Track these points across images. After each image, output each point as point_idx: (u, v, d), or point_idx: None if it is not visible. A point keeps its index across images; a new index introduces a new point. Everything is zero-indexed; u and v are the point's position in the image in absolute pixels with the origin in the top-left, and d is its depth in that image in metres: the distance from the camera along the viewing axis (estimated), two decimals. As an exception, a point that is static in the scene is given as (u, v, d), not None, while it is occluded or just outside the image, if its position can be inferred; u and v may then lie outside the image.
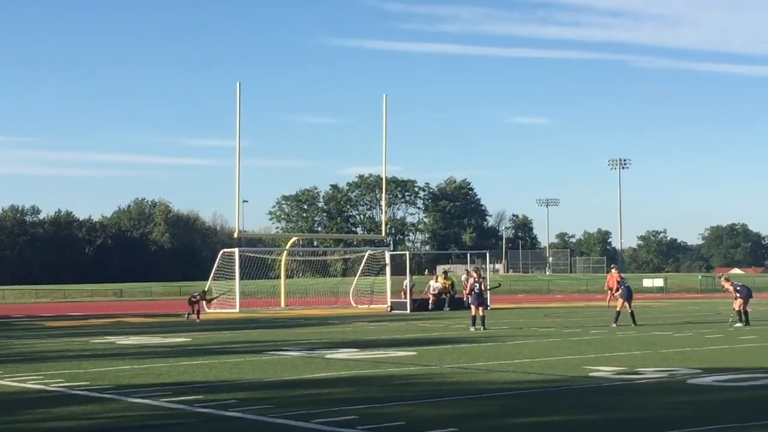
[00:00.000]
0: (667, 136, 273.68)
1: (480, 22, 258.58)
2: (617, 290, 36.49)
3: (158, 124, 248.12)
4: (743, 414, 13.83)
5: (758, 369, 19.66)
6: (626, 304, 35.28)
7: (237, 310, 52.13)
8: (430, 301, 51.74)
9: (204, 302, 47.50)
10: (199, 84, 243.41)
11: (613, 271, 40.29)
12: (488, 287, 44.25)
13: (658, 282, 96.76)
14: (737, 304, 34.97)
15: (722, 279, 39.26)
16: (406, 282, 53.25)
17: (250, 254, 58.73)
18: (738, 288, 35.26)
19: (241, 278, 54.43)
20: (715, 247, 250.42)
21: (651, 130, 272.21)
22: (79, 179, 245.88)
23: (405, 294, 52.72)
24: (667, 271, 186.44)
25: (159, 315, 50.74)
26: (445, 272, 56.54)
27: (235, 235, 62.43)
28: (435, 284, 53.34)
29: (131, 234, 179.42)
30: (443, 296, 51.71)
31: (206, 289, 50.25)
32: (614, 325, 34.23)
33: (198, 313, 45.01)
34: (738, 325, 33.85)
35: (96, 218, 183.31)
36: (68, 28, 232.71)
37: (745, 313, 34.81)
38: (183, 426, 13.82)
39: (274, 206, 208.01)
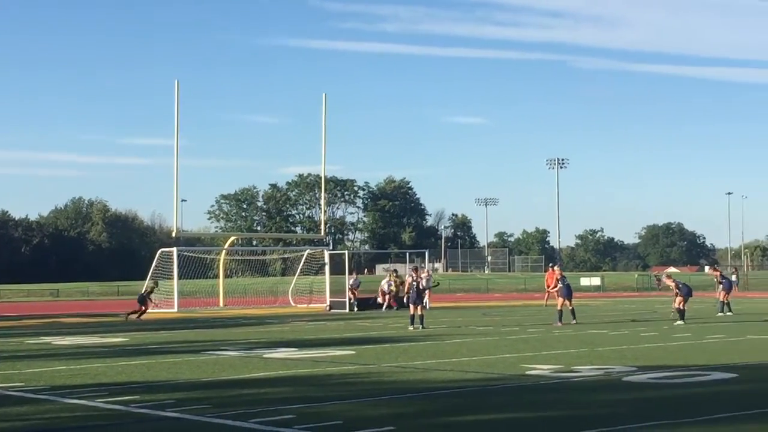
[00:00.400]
0: (604, 136, 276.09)
1: (419, 22, 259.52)
2: (555, 288, 36.68)
3: (96, 124, 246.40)
4: (678, 411, 13.98)
5: (692, 366, 19.88)
6: (566, 302, 35.53)
7: (175, 309, 51.87)
8: (382, 300, 51.22)
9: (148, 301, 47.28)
10: (137, 83, 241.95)
11: (556, 268, 40.71)
12: (429, 286, 44.55)
13: (596, 281, 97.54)
14: (677, 301, 35.29)
15: (664, 276, 39.77)
16: (352, 281, 53.01)
17: (188, 254, 58.51)
18: (680, 286, 35.64)
19: (180, 278, 54.18)
20: (652, 246, 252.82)
21: (589, 129, 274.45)
22: (16, 178, 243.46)
23: (353, 293, 52.44)
24: (604, 270, 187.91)
25: (96, 315, 50.38)
26: (395, 271, 56.40)
27: (174, 235, 62.20)
28: (387, 282, 52.91)
29: (68, 233, 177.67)
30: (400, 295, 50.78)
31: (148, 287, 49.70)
32: (559, 324, 34.43)
33: (141, 312, 45.06)
34: (679, 323, 34.15)
35: (33, 218, 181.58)
36: (6, 27, 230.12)
37: (682, 311, 35.14)
38: (119, 427, 13.72)
39: (212, 206, 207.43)
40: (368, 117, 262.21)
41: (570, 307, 35.51)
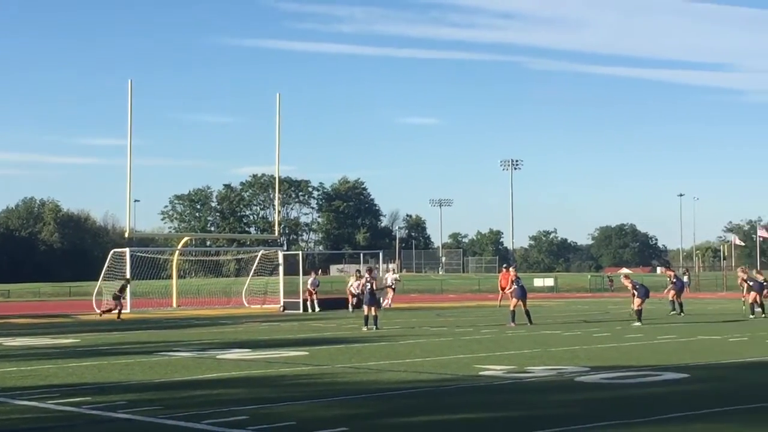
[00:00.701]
0: (558, 138, 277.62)
1: (374, 23, 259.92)
2: (510, 289, 36.72)
3: (48, 123, 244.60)
4: (630, 411, 14.05)
5: (644, 367, 20.00)
6: (521, 302, 35.62)
7: (128, 310, 51.54)
8: (350, 301, 50.57)
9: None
10: (90, 82, 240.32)
11: (511, 270, 40.94)
12: (384, 286, 44.69)
13: (549, 281, 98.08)
14: (636, 303, 35.43)
15: (622, 277, 39.91)
16: (311, 281, 52.61)
17: (141, 254, 58.16)
18: (637, 287, 35.80)
19: (133, 278, 53.84)
20: (605, 247, 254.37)
21: (543, 131, 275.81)
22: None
23: (311, 293, 51.91)
24: (557, 271, 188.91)
25: (47, 316, 49.97)
26: (358, 271, 56.09)
27: (127, 235, 61.78)
28: (356, 283, 52.32)
29: (20, 234, 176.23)
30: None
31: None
32: (512, 324, 34.52)
33: (119, 311, 45.18)
34: (636, 324, 34.24)
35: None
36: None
37: (640, 312, 35.16)
38: (70, 428, 13.63)
39: (166, 206, 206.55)
40: (323, 117, 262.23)
41: (525, 309, 35.60)
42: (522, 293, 35.84)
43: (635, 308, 35.34)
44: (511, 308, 35.67)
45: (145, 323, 41.35)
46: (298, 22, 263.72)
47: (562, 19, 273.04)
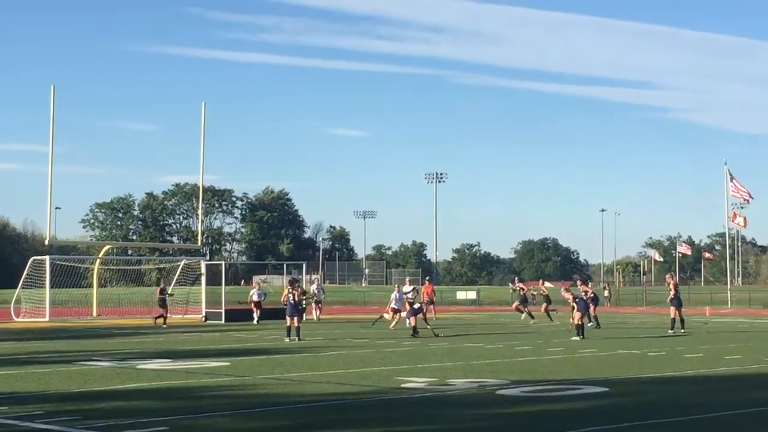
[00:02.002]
0: (483, 152, 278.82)
1: (302, 34, 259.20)
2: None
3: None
4: (550, 425, 14.15)
5: (565, 381, 20.15)
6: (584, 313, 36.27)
7: (47, 319, 50.96)
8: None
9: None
10: (11, 87, 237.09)
11: (427, 282, 40.55)
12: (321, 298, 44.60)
13: (471, 294, 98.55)
14: (576, 316, 35.69)
15: (563, 289, 39.94)
16: (258, 293, 51.52)
17: (61, 262, 57.53)
18: (577, 300, 36.08)
19: (52, 287, 53.25)
20: (527, 260, 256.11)
21: (468, 145, 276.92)
22: None
23: (257, 306, 50.42)
24: (480, 284, 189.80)
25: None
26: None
27: (47, 243, 61.09)
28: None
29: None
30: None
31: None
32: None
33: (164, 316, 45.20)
34: (576, 338, 34.48)
35: None
36: None
37: (580, 326, 35.37)
38: (-14, 438, 13.43)
39: (87, 214, 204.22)
40: (248, 127, 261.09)
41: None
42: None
43: (575, 322, 35.63)
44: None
45: (65, 332, 40.86)
46: (227, 32, 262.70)
47: (489, 34, 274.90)
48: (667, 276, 41.29)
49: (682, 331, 38.38)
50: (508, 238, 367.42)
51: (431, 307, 48.14)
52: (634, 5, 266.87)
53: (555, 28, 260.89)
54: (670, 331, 38.24)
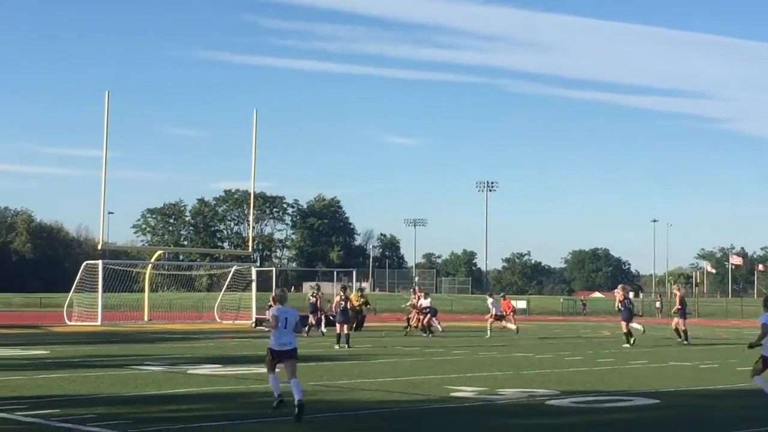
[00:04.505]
0: (534, 161, 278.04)
1: (357, 41, 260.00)
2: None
3: (24, 132, 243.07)
4: (599, 436, 14.08)
5: (615, 392, 20.02)
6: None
7: (99, 323, 51.36)
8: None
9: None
10: (68, 92, 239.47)
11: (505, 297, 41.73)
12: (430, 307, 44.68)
13: (521, 304, 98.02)
14: (624, 325, 37.12)
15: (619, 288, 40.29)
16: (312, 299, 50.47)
17: (114, 267, 57.96)
18: (621, 308, 37.39)
19: (105, 291, 53.68)
20: (578, 270, 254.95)
21: (520, 153, 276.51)
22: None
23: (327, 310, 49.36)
24: (530, 294, 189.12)
25: (18, 326, 49.63)
26: (362, 289, 55.25)
27: (100, 247, 61.51)
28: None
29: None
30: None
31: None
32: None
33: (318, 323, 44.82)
34: (625, 345, 35.98)
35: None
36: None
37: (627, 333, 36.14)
38: (38, 441, 13.55)
39: (139, 219, 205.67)
40: (300, 134, 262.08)
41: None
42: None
43: (624, 330, 37.05)
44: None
45: (116, 336, 41.14)
46: (280, 39, 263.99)
47: (544, 43, 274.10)
48: (674, 287, 42.28)
49: (685, 342, 38.48)
50: (559, 247, 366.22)
51: (511, 316, 48.75)
52: (688, 15, 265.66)
53: (609, 37, 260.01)
54: (685, 341, 38.34)
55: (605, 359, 29.86)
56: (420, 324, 44.06)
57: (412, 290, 50.90)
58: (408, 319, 46.30)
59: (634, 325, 37.63)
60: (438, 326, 44.44)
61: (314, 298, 46.08)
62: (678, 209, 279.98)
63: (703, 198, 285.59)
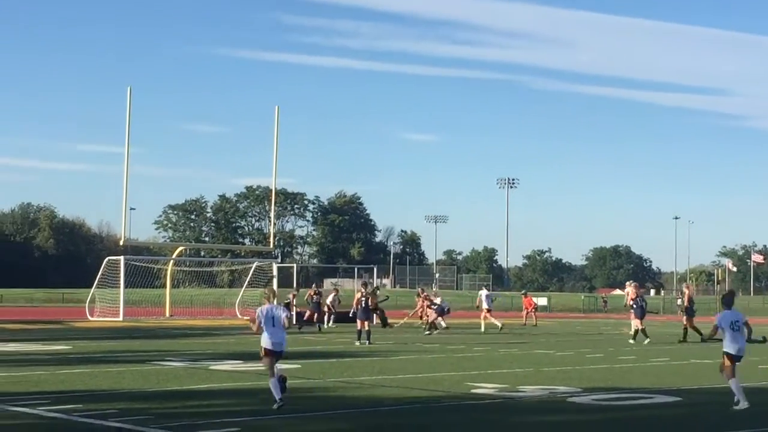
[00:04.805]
0: (555, 157, 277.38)
1: (377, 38, 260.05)
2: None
3: (46, 129, 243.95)
4: (621, 433, 14.05)
5: (637, 389, 19.98)
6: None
7: (121, 318, 51.54)
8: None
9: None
10: (89, 89, 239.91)
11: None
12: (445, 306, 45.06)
13: (542, 301, 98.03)
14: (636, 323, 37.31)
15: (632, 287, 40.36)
16: (331, 297, 50.87)
17: (135, 263, 58.14)
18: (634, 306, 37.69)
19: (126, 287, 53.85)
20: (599, 267, 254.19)
21: (540, 150, 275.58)
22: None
23: (330, 309, 50.06)
24: (551, 291, 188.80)
25: (40, 322, 49.85)
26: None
27: (121, 243, 61.71)
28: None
29: (14, 239, 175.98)
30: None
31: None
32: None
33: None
34: (647, 341, 36.37)
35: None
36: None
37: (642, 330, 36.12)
38: (61, 435, 13.60)
39: (160, 215, 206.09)
40: (321, 131, 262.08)
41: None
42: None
43: (639, 327, 37.40)
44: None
45: (138, 332, 41.28)
46: (302, 35, 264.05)
47: (565, 39, 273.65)
48: (683, 285, 42.45)
49: (681, 340, 38.56)
50: (580, 244, 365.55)
51: (533, 314, 53.18)
52: (710, 12, 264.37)
53: (631, 33, 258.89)
54: (681, 339, 38.41)
55: (626, 356, 29.80)
56: (426, 319, 45.05)
57: (416, 294, 52.43)
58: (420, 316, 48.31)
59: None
60: (442, 323, 45.06)
61: (316, 296, 47.05)
62: (700, 206, 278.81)
63: (726, 195, 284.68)
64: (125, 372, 22.37)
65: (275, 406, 15.73)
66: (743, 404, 16.92)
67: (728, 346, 17.55)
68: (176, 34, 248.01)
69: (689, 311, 39.22)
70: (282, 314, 16.56)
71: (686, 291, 40.62)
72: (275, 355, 16.67)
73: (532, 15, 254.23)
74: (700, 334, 38.74)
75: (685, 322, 39.08)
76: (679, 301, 77.80)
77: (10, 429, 14.01)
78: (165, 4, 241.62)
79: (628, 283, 42.22)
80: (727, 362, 17.62)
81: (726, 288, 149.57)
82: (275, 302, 16.71)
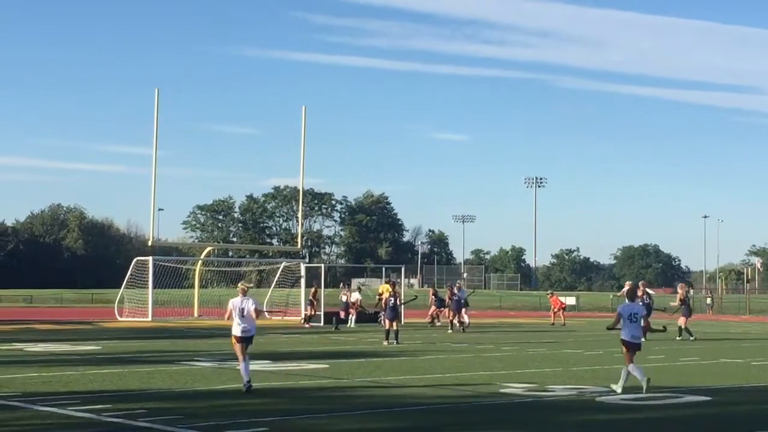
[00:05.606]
0: (583, 156, 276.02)
1: (405, 38, 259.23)
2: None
3: (74, 130, 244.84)
4: (650, 433, 14.01)
5: (666, 388, 19.90)
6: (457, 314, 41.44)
7: (149, 319, 51.72)
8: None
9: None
10: (118, 90, 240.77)
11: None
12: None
13: (571, 300, 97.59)
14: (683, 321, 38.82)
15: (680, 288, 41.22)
16: (355, 296, 50.97)
17: (164, 263, 58.30)
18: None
19: (155, 287, 54.00)
20: (627, 266, 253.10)
21: (568, 149, 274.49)
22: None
23: (354, 306, 49.95)
24: (579, 290, 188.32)
25: (70, 322, 50.10)
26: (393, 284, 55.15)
27: (150, 244, 61.89)
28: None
29: (44, 239, 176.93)
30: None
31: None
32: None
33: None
34: (692, 338, 37.67)
35: (9, 223, 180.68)
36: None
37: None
38: (91, 435, 13.67)
39: (188, 216, 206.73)
40: (348, 131, 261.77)
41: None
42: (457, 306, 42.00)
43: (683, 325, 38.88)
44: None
45: (167, 332, 41.42)
46: (329, 35, 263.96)
47: (593, 38, 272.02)
48: (679, 285, 43.30)
49: (678, 338, 38.33)
50: (608, 243, 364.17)
51: (561, 314, 53.53)
52: (739, 9, 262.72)
53: (659, 32, 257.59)
54: (678, 337, 38.24)
55: (656, 356, 29.68)
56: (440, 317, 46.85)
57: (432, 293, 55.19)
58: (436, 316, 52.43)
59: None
60: (465, 319, 46.22)
61: (344, 296, 49.65)
62: (729, 205, 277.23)
63: (755, 193, 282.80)
64: (154, 372, 22.46)
65: (244, 388, 18.18)
66: (617, 388, 18.87)
67: (624, 334, 19.54)
68: (204, 35, 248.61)
69: (686, 310, 39.86)
70: (251, 306, 19.34)
71: (680, 291, 41.20)
72: (244, 341, 19.31)
73: (561, 14, 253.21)
74: (680, 334, 38.76)
75: (679, 322, 39.30)
76: (708, 300, 77.48)
77: (40, 429, 14.09)
78: (194, 6, 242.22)
79: (680, 285, 43.17)
80: (625, 349, 19.57)
81: (756, 286, 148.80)
82: (246, 296, 19.50)
